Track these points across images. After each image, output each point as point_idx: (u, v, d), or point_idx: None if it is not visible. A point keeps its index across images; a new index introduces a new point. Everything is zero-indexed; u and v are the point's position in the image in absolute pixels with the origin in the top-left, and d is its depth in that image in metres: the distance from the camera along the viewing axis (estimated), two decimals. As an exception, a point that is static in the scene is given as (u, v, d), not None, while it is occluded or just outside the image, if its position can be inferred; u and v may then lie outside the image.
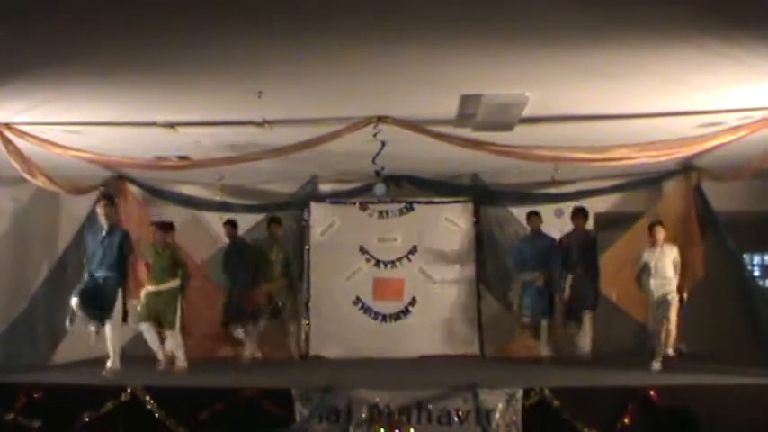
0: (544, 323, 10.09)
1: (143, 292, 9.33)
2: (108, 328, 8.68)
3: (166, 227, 9.82)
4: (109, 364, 8.76)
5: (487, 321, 11.01)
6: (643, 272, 9.27)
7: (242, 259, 10.45)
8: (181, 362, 9.19)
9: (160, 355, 9.26)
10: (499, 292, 11.03)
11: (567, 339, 10.17)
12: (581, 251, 10.09)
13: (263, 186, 11.65)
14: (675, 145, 7.75)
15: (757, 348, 9.07)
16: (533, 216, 10.45)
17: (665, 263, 9.12)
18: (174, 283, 9.33)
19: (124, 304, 8.91)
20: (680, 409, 4.45)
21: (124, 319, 8.92)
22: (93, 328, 8.68)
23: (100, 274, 8.80)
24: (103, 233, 8.90)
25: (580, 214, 10.24)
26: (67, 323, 9.06)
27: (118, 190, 10.84)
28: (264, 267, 10.49)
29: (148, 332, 9.25)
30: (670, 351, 8.94)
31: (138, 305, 9.39)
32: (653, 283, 9.11)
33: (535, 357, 10.06)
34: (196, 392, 7.53)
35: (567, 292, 10.04)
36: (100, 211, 9.03)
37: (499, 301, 11.04)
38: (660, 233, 9.23)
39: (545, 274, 10.13)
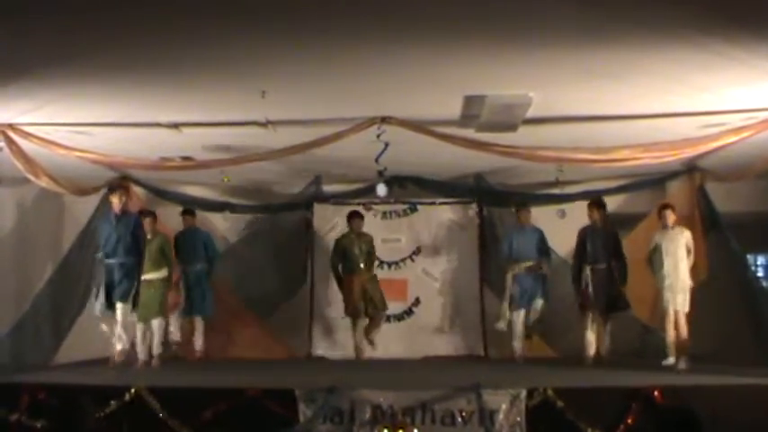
0: (539, 302, 9.96)
1: None
2: (119, 311, 8.67)
3: (154, 215, 9.91)
4: (119, 346, 8.80)
5: (491, 322, 10.97)
6: (654, 254, 9.14)
7: (197, 248, 10.39)
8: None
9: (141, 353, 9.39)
10: (503, 292, 10.92)
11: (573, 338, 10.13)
12: (601, 246, 9.57)
13: (267, 187, 11.65)
14: (679, 146, 7.75)
15: (761, 349, 9.06)
16: (523, 210, 10.32)
17: (678, 244, 8.99)
18: (162, 273, 9.50)
19: (137, 289, 8.89)
20: (682, 410, 4.42)
21: (134, 305, 8.92)
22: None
23: (116, 260, 8.80)
24: (116, 219, 8.90)
25: (594, 207, 9.67)
26: (97, 310, 8.97)
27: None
28: (346, 261, 10.47)
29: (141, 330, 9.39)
30: (671, 360, 8.82)
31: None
32: (666, 263, 8.93)
33: (539, 357, 10.06)
34: (199, 392, 7.51)
35: (588, 284, 9.55)
36: (115, 200, 8.94)
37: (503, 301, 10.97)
38: (670, 216, 9.10)
39: (536, 262, 10.04)
